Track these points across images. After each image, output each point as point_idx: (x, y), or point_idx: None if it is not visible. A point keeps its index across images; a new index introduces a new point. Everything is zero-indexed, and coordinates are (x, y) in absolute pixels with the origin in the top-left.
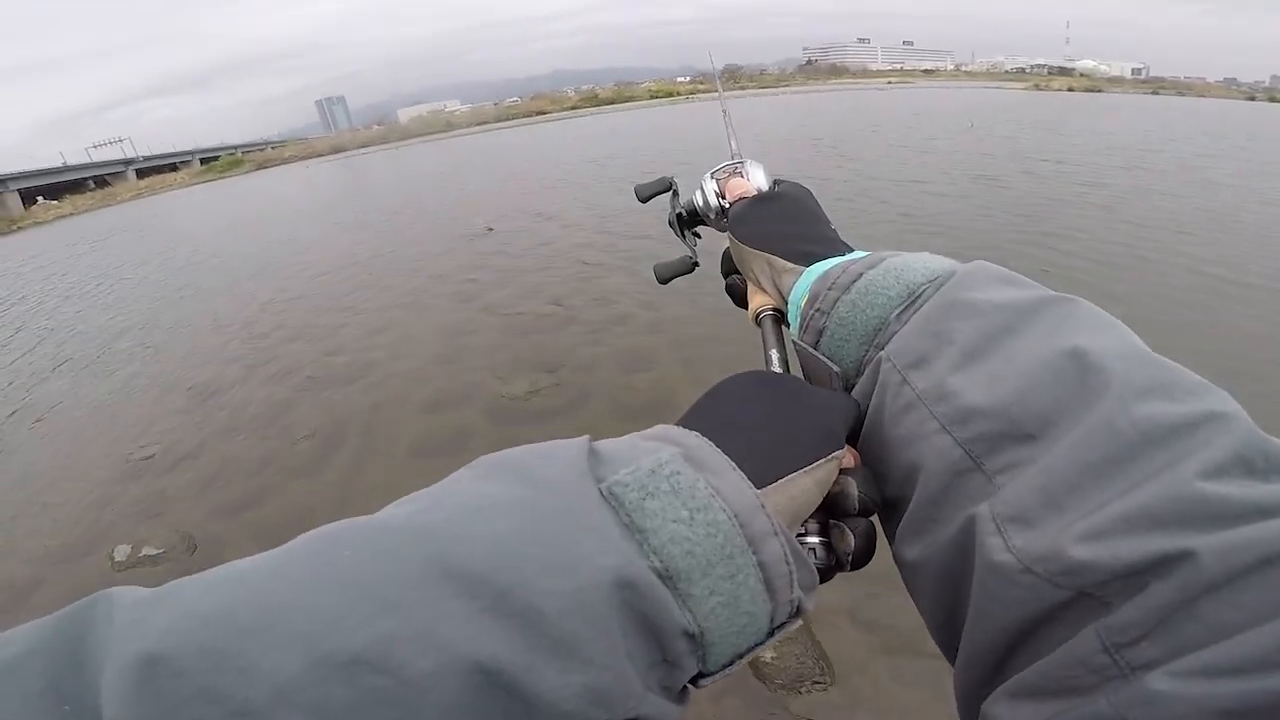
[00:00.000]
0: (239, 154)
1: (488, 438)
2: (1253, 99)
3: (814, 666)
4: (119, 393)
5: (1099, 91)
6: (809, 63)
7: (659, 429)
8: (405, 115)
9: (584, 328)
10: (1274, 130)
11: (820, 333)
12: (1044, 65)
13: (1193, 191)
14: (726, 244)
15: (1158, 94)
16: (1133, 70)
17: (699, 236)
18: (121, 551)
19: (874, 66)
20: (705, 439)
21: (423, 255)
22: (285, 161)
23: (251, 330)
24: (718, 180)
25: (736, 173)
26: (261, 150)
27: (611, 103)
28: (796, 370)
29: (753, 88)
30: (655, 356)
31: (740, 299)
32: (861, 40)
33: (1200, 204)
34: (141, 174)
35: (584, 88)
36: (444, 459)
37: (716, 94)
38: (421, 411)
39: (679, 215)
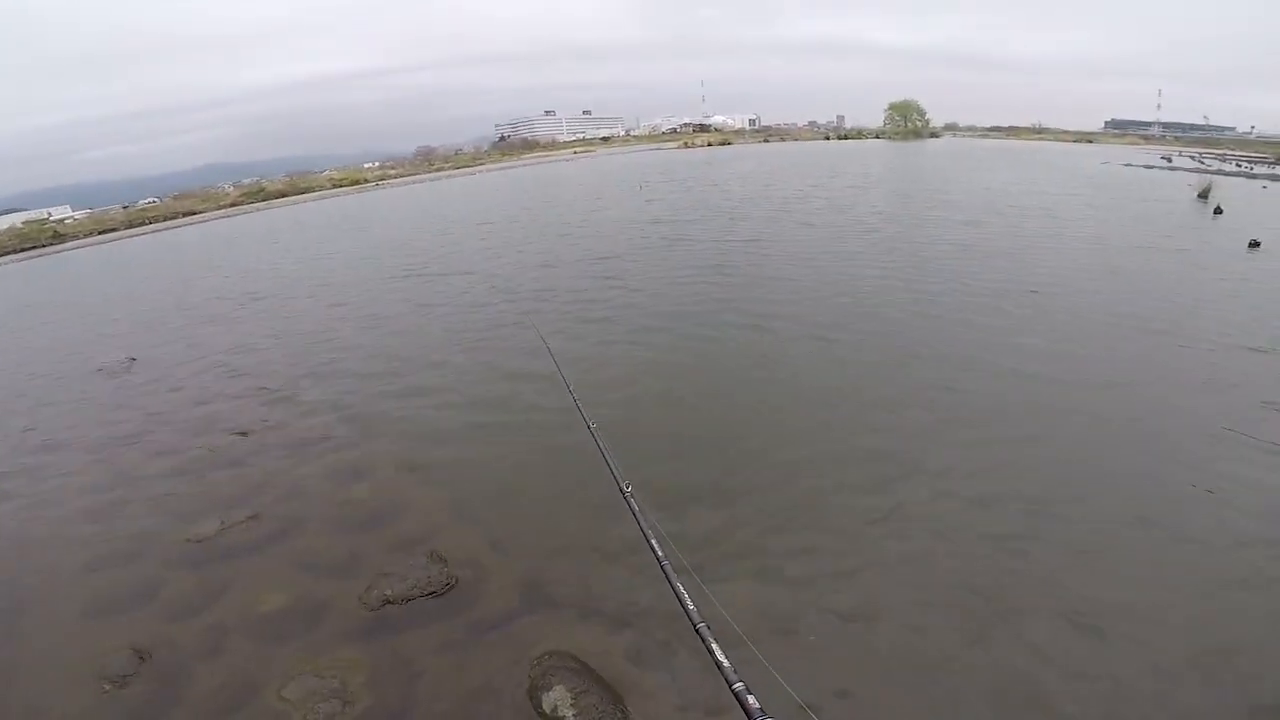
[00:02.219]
0: None
1: (180, 586)
2: (828, 138)
3: None
4: None
5: (730, 144)
6: (502, 139)
7: None
8: None
9: (279, 451)
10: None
11: None
12: (689, 124)
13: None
14: None
15: (768, 141)
16: (749, 121)
17: None
18: None
19: (561, 138)
20: None
21: (44, 403)
22: None
23: None
24: None
25: None
26: None
27: (283, 195)
28: None
29: (448, 168)
30: (369, 464)
31: None
32: (548, 113)
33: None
34: None
35: (246, 181)
36: (132, 614)
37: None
38: (85, 572)
39: None
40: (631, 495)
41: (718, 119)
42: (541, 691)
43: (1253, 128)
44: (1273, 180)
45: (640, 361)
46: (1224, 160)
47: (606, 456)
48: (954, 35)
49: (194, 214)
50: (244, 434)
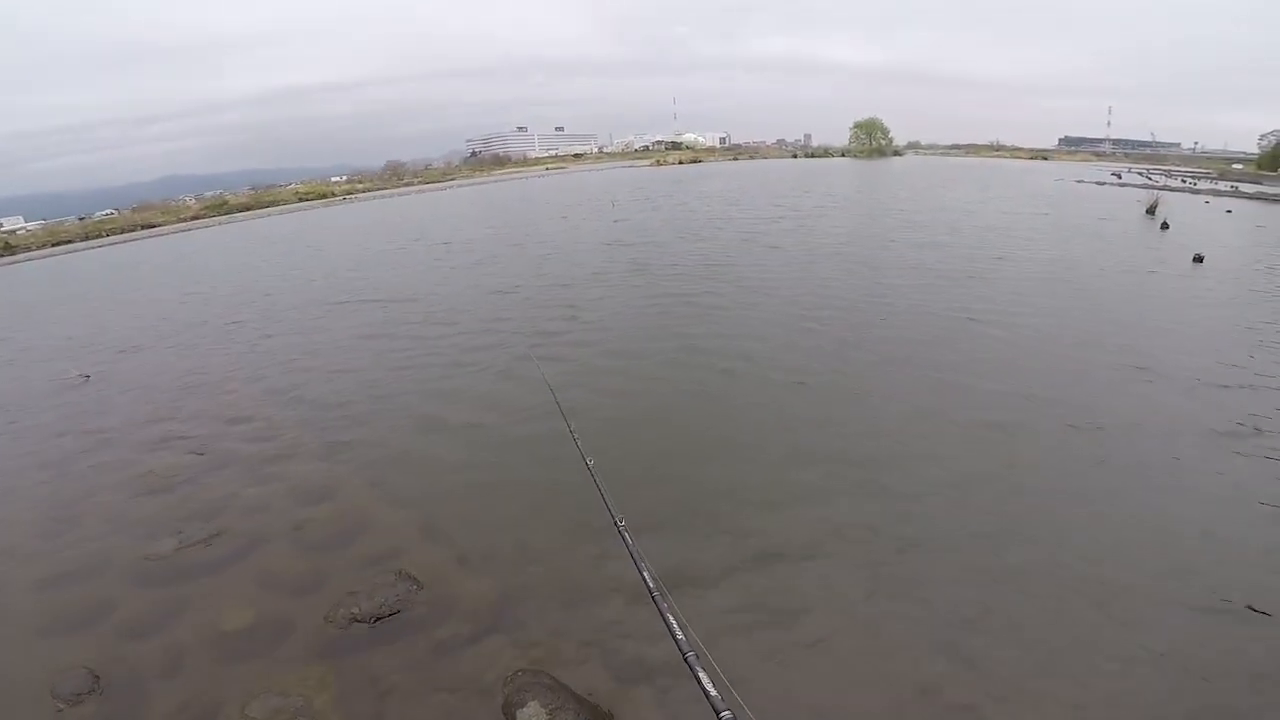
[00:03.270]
0: None
1: (136, 604)
2: (795, 156)
3: None
4: None
5: (700, 161)
6: (473, 154)
7: None
8: None
9: (241, 469)
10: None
11: None
12: (661, 141)
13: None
14: None
15: (737, 159)
16: (719, 139)
17: None
18: None
19: (532, 154)
20: None
21: None
22: None
23: None
24: None
25: None
26: None
27: (247, 208)
28: None
29: (418, 183)
30: (335, 483)
31: None
32: (520, 129)
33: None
34: None
35: (209, 194)
36: (86, 633)
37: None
38: (37, 590)
39: None
40: (625, 529)
41: (689, 136)
42: (516, 708)
43: (1196, 144)
44: (1215, 195)
45: (590, 404)
46: (1169, 176)
47: (601, 490)
48: (917, 54)
49: (153, 226)
50: (202, 453)
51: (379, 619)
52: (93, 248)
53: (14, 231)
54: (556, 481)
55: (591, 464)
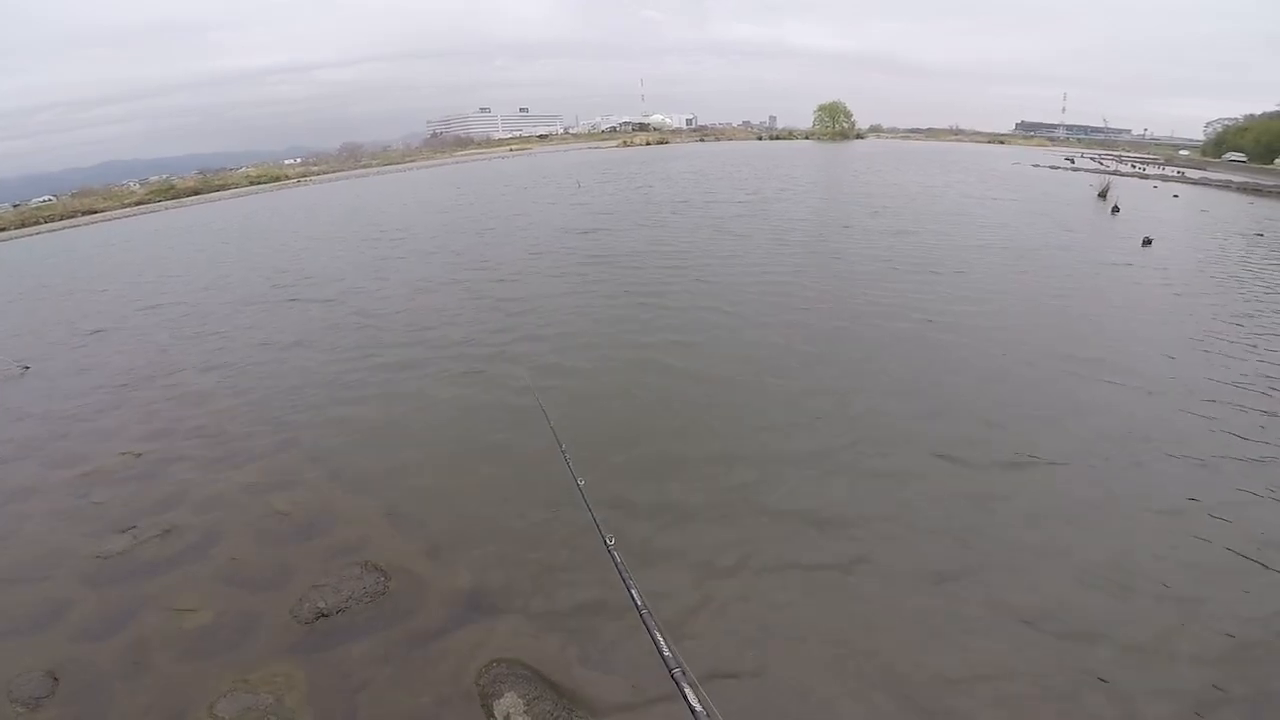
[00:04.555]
0: None
1: (91, 604)
2: (760, 138)
3: None
4: None
5: (667, 143)
6: (434, 135)
7: None
8: None
9: (193, 462)
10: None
11: None
12: (629, 122)
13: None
14: None
15: (704, 140)
16: (687, 121)
17: None
18: None
19: (496, 135)
20: None
21: None
22: None
23: None
24: None
25: None
26: None
27: (196, 193)
28: None
29: (376, 165)
30: (293, 474)
31: None
32: (483, 110)
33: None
34: None
35: (154, 178)
36: (40, 635)
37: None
38: None
39: None
40: (615, 547)
41: (656, 118)
42: (492, 700)
43: (1145, 130)
44: (1163, 180)
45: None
46: (1120, 161)
47: (591, 510)
48: (881, 42)
49: (95, 212)
50: (153, 444)
51: (346, 612)
52: (29, 235)
53: None
54: (526, 470)
55: (583, 484)
